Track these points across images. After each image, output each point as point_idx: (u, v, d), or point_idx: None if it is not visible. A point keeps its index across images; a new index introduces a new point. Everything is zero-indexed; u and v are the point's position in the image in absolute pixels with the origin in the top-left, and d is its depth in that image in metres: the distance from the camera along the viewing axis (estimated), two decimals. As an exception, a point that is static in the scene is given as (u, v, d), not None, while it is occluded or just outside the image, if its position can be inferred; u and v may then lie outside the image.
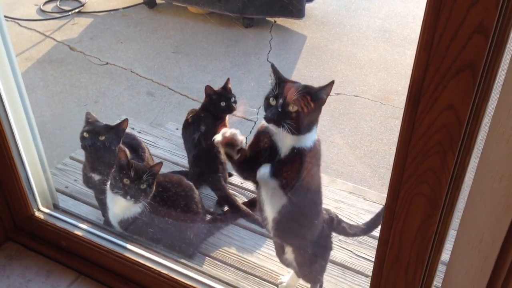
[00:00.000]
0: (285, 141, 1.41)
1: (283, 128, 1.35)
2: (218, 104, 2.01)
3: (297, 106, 1.34)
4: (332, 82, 1.35)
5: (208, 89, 2.03)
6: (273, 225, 1.56)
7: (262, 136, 1.45)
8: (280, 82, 1.40)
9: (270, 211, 1.53)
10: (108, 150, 1.76)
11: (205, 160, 2.03)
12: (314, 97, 1.36)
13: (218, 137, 1.39)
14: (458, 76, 0.75)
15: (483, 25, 0.71)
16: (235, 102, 2.03)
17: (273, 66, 1.43)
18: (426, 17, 0.74)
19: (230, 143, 1.38)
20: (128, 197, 1.63)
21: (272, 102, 1.38)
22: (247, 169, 1.47)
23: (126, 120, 1.79)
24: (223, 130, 1.39)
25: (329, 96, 1.40)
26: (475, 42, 0.72)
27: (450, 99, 0.78)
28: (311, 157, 1.45)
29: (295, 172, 1.44)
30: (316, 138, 1.45)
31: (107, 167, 1.77)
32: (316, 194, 1.57)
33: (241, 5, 4.08)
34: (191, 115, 2.08)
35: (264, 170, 1.44)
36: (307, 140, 1.42)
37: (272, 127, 1.40)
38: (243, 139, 1.40)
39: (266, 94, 1.42)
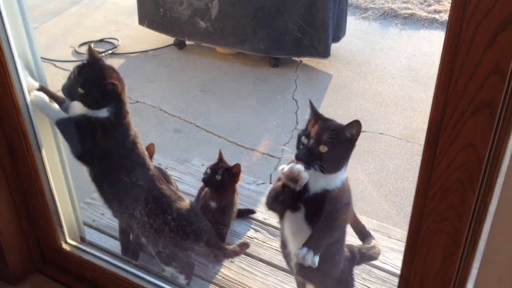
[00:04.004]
0: (314, 180, 1.38)
1: (313, 168, 1.33)
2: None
3: (327, 147, 1.32)
4: (355, 122, 1.32)
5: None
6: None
7: None
8: (315, 119, 1.37)
9: (294, 246, 1.53)
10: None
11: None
12: (343, 136, 1.34)
13: (285, 170, 1.35)
14: (476, 115, 0.76)
15: (500, 65, 0.72)
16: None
17: (311, 102, 1.41)
18: (443, 58, 0.76)
19: (293, 179, 1.34)
20: None
21: (304, 141, 1.36)
22: (281, 201, 1.44)
23: None
24: (291, 165, 1.34)
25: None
26: (492, 82, 0.73)
27: (469, 137, 0.79)
28: (340, 196, 1.42)
29: (323, 211, 1.41)
30: (345, 176, 1.42)
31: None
32: (342, 232, 1.56)
33: (268, 46, 4.18)
34: None
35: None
36: (337, 180, 1.39)
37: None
38: (307, 177, 1.34)
39: (299, 132, 1.40)
